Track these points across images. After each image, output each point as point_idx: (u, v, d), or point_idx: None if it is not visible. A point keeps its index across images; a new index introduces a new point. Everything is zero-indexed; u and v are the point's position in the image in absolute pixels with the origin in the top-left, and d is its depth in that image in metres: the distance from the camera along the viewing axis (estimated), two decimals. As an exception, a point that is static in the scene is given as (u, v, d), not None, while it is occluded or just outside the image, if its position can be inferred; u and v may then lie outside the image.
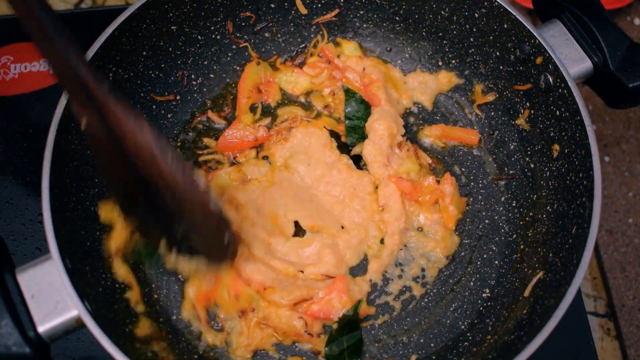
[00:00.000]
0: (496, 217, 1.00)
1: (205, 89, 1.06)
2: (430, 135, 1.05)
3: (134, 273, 0.90)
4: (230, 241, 0.82)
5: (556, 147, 0.93)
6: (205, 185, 0.75)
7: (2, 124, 1.09)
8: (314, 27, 1.09)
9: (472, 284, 0.95)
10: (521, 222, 0.98)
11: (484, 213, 1.00)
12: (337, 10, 1.06)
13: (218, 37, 1.05)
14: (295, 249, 0.94)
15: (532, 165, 0.98)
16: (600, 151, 1.24)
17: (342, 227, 0.96)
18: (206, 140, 1.03)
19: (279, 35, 1.08)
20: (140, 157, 0.70)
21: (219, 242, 0.82)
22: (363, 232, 0.96)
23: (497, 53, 1.00)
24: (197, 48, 1.04)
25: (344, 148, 1.02)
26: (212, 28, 1.04)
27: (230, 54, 1.07)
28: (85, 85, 0.67)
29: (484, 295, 0.94)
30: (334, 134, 1.03)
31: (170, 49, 1.01)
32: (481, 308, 0.93)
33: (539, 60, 0.93)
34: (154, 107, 1.01)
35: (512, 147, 1.02)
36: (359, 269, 0.95)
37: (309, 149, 1.01)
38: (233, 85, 1.07)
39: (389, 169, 0.98)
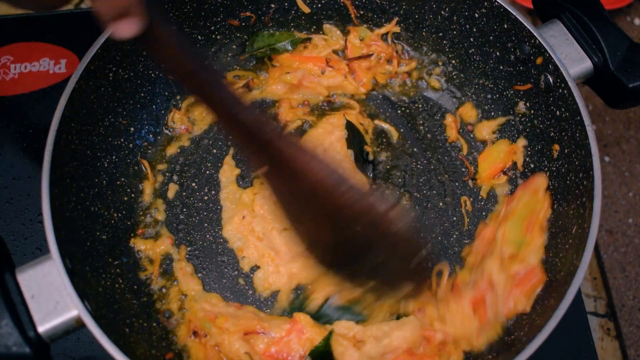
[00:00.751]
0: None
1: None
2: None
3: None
4: (420, 262, 0.77)
5: (556, 147, 0.93)
6: (387, 204, 0.73)
7: (2, 124, 1.09)
8: (315, 27, 1.09)
9: (472, 284, 0.95)
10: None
11: (484, 213, 1.00)
12: (396, 19, 1.06)
13: (218, 37, 1.05)
14: None
15: (532, 165, 0.98)
16: (600, 151, 1.24)
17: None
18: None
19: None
20: (321, 188, 0.70)
21: (408, 264, 0.77)
22: None
23: (497, 53, 1.00)
24: (197, 48, 1.04)
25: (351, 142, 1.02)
26: (212, 28, 1.04)
27: (230, 54, 1.07)
28: (259, 134, 0.68)
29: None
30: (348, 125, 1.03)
31: (170, 49, 1.01)
32: (481, 308, 0.94)
33: (539, 60, 0.93)
34: (154, 107, 1.02)
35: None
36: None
37: (327, 139, 1.01)
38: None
39: None
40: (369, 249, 0.76)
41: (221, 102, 0.68)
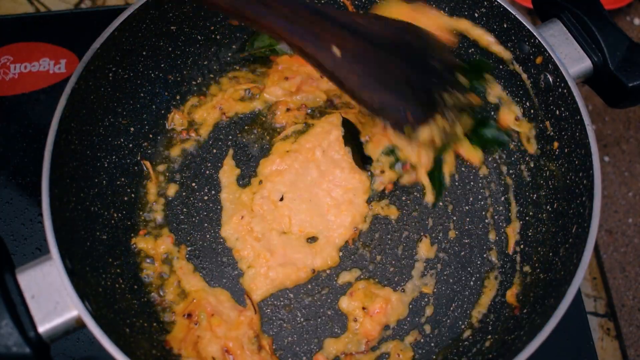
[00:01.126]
0: (496, 217, 1.00)
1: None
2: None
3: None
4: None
5: (556, 146, 0.93)
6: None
7: (2, 124, 1.09)
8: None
9: (472, 283, 0.95)
10: (521, 222, 0.98)
11: (483, 213, 1.00)
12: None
13: (218, 37, 1.05)
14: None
15: (532, 165, 0.98)
16: (600, 151, 1.24)
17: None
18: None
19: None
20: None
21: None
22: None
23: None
24: (197, 48, 1.04)
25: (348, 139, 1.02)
26: (212, 28, 1.04)
27: (230, 54, 1.07)
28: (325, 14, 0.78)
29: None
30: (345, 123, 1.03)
31: (170, 49, 1.01)
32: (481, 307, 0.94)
33: (538, 59, 0.93)
34: (154, 107, 1.02)
35: (511, 146, 1.02)
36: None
37: (325, 139, 1.01)
38: (233, 85, 1.07)
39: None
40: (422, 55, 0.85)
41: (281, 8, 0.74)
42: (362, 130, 1.02)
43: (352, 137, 1.01)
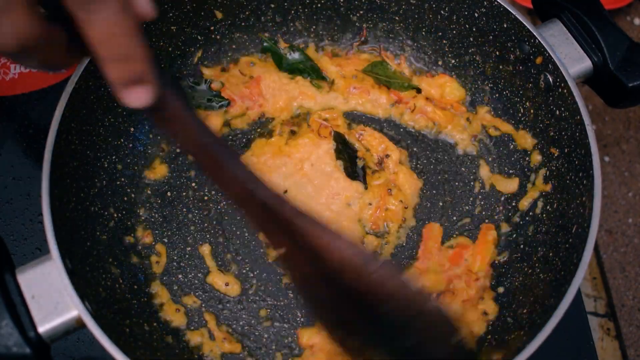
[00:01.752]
0: (496, 217, 1.00)
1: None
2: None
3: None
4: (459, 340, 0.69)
5: (555, 146, 0.93)
6: (415, 284, 0.66)
7: (2, 124, 1.09)
8: (316, 26, 1.09)
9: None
10: (521, 222, 0.98)
11: (483, 213, 1.00)
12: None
13: (218, 37, 1.05)
14: None
15: (532, 165, 0.98)
16: (600, 151, 1.24)
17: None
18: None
19: (278, 36, 1.08)
20: (348, 267, 0.64)
21: (447, 343, 0.69)
22: None
23: (497, 53, 1.00)
24: (197, 48, 1.04)
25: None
26: (212, 28, 1.04)
27: (230, 54, 1.07)
28: (277, 212, 0.64)
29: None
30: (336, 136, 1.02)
31: (170, 48, 1.01)
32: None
33: (538, 59, 0.93)
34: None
35: (511, 146, 1.02)
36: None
37: (313, 154, 1.00)
38: (233, 85, 1.07)
39: None
40: (403, 330, 0.68)
41: (236, 180, 0.64)
42: None
43: (344, 150, 1.01)
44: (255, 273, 0.94)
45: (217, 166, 0.64)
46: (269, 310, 0.92)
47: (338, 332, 0.73)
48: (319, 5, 1.06)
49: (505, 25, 0.96)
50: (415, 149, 1.04)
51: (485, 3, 0.96)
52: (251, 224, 0.70)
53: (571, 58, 0.93)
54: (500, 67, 1.01)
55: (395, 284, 0.65)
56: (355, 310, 0.68)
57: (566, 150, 0.91)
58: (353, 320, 0.70)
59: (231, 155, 0.64)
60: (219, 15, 1.03)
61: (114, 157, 0.96)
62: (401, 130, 1.05)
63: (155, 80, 0.56)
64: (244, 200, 0.66)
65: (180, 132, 0.62)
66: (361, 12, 1.07)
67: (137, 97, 0.56)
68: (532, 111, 0.98)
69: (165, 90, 0.58)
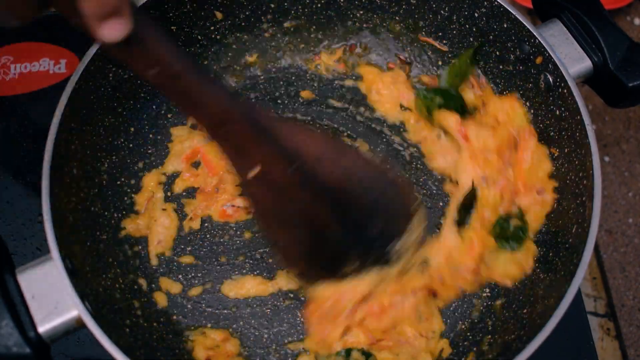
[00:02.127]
0: (496, 217, 1.00)
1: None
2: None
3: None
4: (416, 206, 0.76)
5: (556, 146, 0.93)
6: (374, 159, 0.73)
7: (2, 124, 1.09)
8: (316, 26, 1.09)
9: (472, 283, 0.95)
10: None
11: (484, 213, 1.00)
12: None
13: (218, 37, 1.05)
14: None
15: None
16: (600, 151, 1.24)
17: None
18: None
19: (279, 36, 1.08)
20: (323, 163, 0.67)
21: (408, 213, 0.76)
22: None
23: (497, 53, 1.00)
24: (197, 48, 1.04)
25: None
26: (212, 28, 1.04)
27: (230, 54, 1.07)
28: (254, 121, 0.65)
29: (484, 295, 0.94)
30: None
31: (170, 49, 1.01)
32: (481, 308, 0.93)
33: (538, 59, 0.93)
34: (154, 107, 1.02)
35: (512, 146, 1.02)
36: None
37: None
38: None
39: None
40: (371, 217, 0.73)
41: (215, 103, 0.64)
42: None
43: None
44: (256, 273, 0.94)
45: (191, 95, 0.63)
46: (269, 311, 0.92)
47: (304, 265, 0.79)
48: (319, 5, 1.06)
49: (505, 25, 0.96)
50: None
51: (485, 3, 0.96)
52: (224, 150, 0.71)
53: (571, 58, 0.93)
54: (500, 67, 1.01)
55: (361, 164, 0.71)
56: (329, 212, 0.71)
57: (566, 150, 0.91)
58: (325, 231, 0.73)
59: (209, 79, 0.64)
60: (219, 15, 1.03)
61: (114, 157, 0.96)
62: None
63: (131, 12, 0.55)
64: (219, 123, 0.66)
65: (153, 63, 0.61)
66: (361, 12, 1.07)
67: (112, 30, 0.54)
68: (532, 111, 0.98)
69: (140, 22, 0.57)
